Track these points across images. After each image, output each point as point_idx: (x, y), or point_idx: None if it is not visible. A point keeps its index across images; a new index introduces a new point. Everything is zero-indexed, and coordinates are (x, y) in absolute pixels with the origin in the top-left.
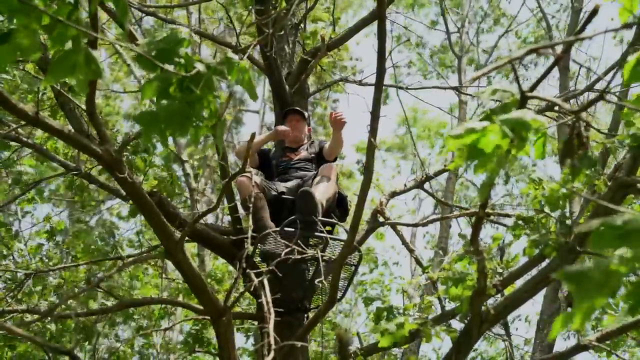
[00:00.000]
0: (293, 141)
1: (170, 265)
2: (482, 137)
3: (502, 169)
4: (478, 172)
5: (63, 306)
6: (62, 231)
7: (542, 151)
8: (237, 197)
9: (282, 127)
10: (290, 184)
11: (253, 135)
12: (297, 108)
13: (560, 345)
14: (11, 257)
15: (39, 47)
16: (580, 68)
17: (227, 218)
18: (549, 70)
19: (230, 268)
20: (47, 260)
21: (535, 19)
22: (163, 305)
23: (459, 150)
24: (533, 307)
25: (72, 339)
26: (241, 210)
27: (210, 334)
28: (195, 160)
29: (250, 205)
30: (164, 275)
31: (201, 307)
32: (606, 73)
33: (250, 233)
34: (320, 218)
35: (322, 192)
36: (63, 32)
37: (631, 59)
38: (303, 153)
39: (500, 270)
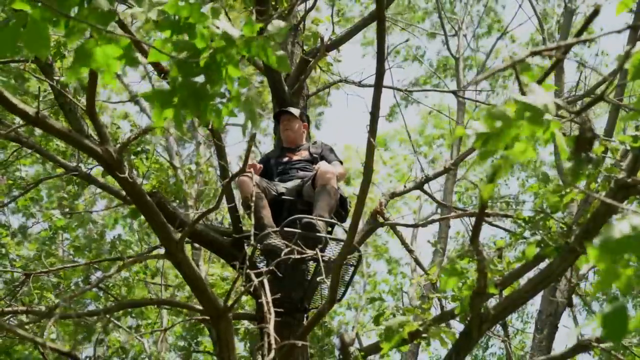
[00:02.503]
0: (289, 141)
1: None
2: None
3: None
4: (485, 159)
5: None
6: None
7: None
8: (238, 197)
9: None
10: (290, 184)
11: (253, 136)
12: (287, 109)
13: (560, 346)
14: (8, 258)
15: (49, 42)
16: (581, 72)
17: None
18: (549, 72)
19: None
20: (45, 259)
21: (532, 22)
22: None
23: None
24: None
25: (72, 339)
26: (241, 210)
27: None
28: (188, 166)
29: (252, 204)
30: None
31: (201, 308)
32: (610, 75)
33: (252, 232)
34: (320, 218)
35: (324, 208)
36: (77, 25)
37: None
38: (304, 153)
39: (500, 269)
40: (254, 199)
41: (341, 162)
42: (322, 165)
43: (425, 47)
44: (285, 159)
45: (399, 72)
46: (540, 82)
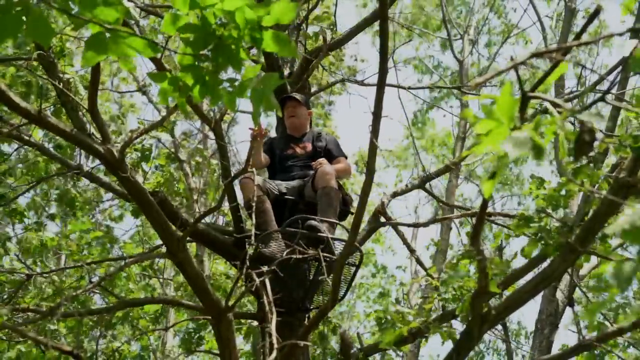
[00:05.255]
0: (294, 129)
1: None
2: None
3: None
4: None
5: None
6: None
7: (563, 149)
8: (240, 198)
9: (252, 132)
10: (292, 183)
11: (255, 136)
12: (291, 94)
13: (559, 346)
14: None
15: (52, 30)
16: (581, 70)
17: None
18: (548, 72)
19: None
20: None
21: (532, 21)
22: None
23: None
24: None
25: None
26: (244, 211)
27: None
28: (194, 160)
29: (254, 204)
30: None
31: (202, 307)
32: (608, 73)
33: (253, 234)
34: (321, 218)
35: (326, 210)
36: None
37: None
38: (308, 147)
39: (498, 272)
40: (255, 199)
41: (345, 157)
42: (321, 166)
43: (439, 60)
44: (289, 152)
45: (408, 78)
46: (539, 83)
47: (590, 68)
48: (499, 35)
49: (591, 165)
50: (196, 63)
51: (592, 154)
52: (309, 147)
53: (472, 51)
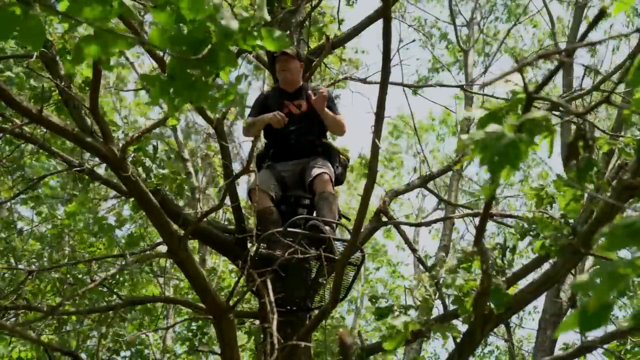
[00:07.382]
0: (287, 83)
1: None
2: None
3: (512, 166)
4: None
5: (66, 303)
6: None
7: (551, 149)
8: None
9: (274, 118)
10: (291, 166)
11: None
12: (284, 50)
13: (562, 344)
14: (11, 255)
15: (43, 35)
16: (585, 70)
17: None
18: (553, 73)
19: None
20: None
21: (542, 16)
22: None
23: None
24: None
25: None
26: (253, 217)
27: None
28: (196, 158)
29: (256, 202)
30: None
31: (204, 306)
32: (612, 74)
33: (254, 235)
34: (321, 218)
35: (326, 215)
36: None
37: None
38: (303, 105)
39: (504, 270)
40: (259, 213)
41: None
42: (319, 173)
43: (437, 34)
44: (284, 111)
45: (407, 53)
46: (545, 82)
47: (595, 69)
48: (506, 23)
49: (580, 169)
50: (187, 71)
51: (581, 157)
52: (304, 105)
53: (478, 38)
